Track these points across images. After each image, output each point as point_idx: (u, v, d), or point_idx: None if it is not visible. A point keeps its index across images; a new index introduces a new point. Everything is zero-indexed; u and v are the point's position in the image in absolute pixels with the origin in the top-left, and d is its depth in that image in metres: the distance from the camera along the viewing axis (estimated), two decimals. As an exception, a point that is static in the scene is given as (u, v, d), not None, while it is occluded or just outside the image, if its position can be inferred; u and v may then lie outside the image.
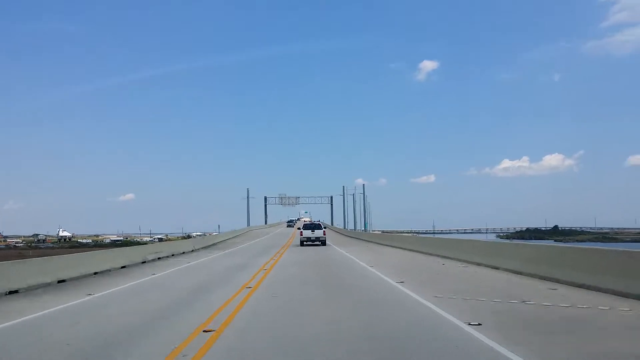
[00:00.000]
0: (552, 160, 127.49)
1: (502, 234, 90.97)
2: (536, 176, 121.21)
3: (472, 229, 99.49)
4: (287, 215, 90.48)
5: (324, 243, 25.73)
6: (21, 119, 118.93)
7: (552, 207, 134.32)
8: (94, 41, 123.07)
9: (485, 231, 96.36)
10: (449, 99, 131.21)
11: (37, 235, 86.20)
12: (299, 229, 33.13)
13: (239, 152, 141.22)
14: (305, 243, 25.81)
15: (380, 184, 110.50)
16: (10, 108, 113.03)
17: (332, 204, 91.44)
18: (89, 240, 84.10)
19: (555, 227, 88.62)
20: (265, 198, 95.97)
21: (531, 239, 66.42)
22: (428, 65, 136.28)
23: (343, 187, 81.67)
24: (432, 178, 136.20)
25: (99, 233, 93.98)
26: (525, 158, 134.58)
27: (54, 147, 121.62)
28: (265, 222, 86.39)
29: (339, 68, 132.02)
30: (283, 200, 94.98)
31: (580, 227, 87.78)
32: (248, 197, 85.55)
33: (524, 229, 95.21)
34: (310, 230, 26.94)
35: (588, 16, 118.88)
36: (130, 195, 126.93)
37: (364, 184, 75.23)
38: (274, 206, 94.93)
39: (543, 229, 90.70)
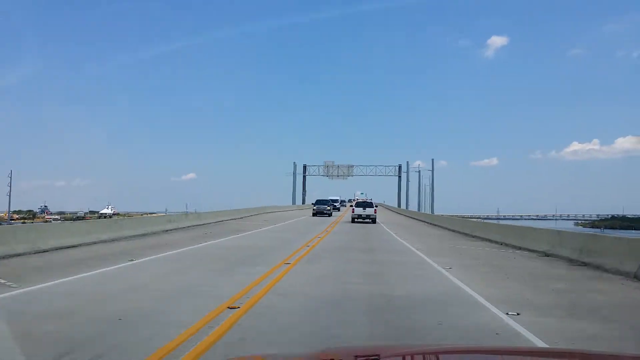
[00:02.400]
0: (625, 143, 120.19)
1: (581, 222, 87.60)
2: (607, 160, 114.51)
3: (545, 215, 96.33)
4: (336, 192, 76.78)
5: (374, 221, 28.35)
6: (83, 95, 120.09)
7: (629, 193, 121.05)
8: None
9: (557, 217, 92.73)
10: (516, 77, 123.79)
11: (75, 213, 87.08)
12: (351, 206, 36.91)
13: (292, 126, 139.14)
14: (356, 220, 28.70)
15: (440, 166, 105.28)
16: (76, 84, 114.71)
17: (399, 177, 77.50)
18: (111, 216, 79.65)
19: None
20: (305, 167, 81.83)
21: (623, 228, 60.52)
22: (497, 41, 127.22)
23: (407, 162, 74.55)
24: (494, 161, 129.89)
25: (153, 210, 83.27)
26: (595, 141, 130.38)
27: (120, 127, 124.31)
28: (303, 202, 73.69)
29: (400, 42, 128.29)
30: (330, 170, 74.85)
31: None
32: (295, 172, 77.30)
33: (607, 216, 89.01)
34: (361, 208, 29.79)
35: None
36: (191, 175, 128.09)
37: (432, 159, 68.31)
38: (318, 179, 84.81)
39: (630, 216, 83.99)
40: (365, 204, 30.44)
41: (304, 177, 76.42)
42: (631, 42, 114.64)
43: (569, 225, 64.77)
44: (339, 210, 46.79)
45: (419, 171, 70.33)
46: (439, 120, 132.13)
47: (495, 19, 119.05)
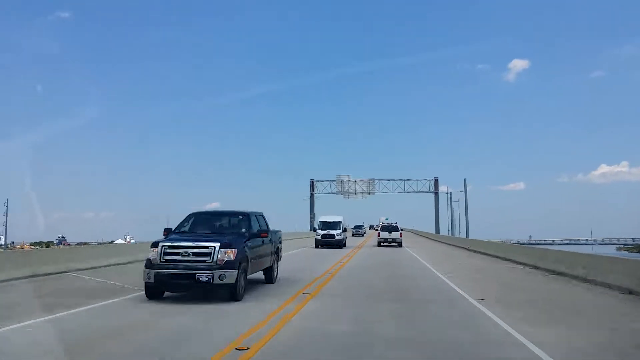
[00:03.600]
0: None
1: (623, 247, 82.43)
2: (637, 182, 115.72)
3: (578, 240, 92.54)
4: (354, 215, 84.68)
5: (400, 245, 29.40)
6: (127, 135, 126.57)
7: None
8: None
9: (591, 242, 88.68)
10: (539, 100, 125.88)
11: (88, 242, 74.64)
12: (376, 229, 42.02)
13: (308, 147, 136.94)
14: (382, 244, 29.81)
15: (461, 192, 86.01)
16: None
17: (436, 193, 64.57)
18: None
19: None
20: (313, 184, 67.65)
21: None
22: (518, 64, 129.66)
23: (436, 178, 61.31)
24: (521, 185, 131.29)
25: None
26: (624, 163, 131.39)
27: (150, 161, 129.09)
28: (311, 227, 57.51)
29: (414, 72, 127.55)
30: (344, 186, 56.83)
31: None
32: (312, 194, 65.48)
33: None
34: (387, 232, 30.90)
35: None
36: (216, 204, 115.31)
37: (465, 179, 60.09)
38: (332, 199, 74.81)
39: None
40: (390, 228, 32.10)
41: (312, 195, 59.10)
42: None
43: (611, 250, 62.61)
44: (362, 236, 44.15)
45: (450, 193, 63.63)
46: (460, 145, 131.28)
47: (515, 41, 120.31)
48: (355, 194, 60.51)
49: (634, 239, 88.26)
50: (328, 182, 60.78)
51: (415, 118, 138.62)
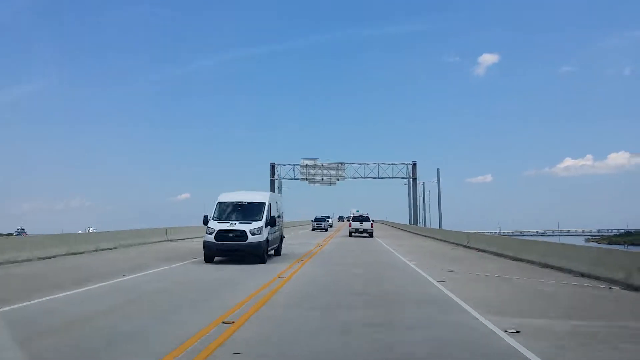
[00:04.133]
0: (618, 158, 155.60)
1: (591, 238, 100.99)
2: (600, 175, 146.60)
3: (545, 231, 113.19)
4: (322, 206, 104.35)
5: (371, 235, 36.94)
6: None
7: (627, 208, 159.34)
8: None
9: (559, 233, 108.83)
10: (508, 95, 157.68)
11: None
12: (347, 220, 50.61)
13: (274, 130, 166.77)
14: (353, 234, 37.66)
15: (434, 183, 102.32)
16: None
17: (414, 179, 73.29)
18: None
19: None
20: (273, 168, 74.63)
21: (633, 244, 71.06)
22: (488, 58, 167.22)
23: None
24: (488, 178, 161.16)
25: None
26: (589, 156, 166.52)
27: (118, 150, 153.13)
28: None
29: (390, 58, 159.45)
30: (310, 171, 71.81)
31: None
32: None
33: (620, 230, 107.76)
34: (359, 222, 38.91)
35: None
36: (186, 195, 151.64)
37: (438, 169, 74.07)
38: (297, 187, 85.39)
39: None
40: (362, 218, 39.25)
41: (272, 182, 67.65)
42: (622, 59, 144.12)
43: (579, 241, 72.12)
44: (325, 231, 51.91)
45: (423, 183, 75.58)
46: (431, 137, 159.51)
47: (485, 36, 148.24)
48: (323, 179, 68.96)
49: (598, 230, 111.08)
50: (291, 166, 68.63)
51: (387, 106, 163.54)
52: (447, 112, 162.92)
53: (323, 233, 44.13)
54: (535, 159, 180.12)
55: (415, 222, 66.23)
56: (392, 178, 67.52)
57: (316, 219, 52.41)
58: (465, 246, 26.54)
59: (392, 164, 67.13)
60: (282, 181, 69.69)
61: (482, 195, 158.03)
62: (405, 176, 67.02)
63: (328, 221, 54.93)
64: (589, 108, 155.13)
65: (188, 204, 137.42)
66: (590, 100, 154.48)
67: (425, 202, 77.84)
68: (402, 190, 76.75)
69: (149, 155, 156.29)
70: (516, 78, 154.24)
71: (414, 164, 67.04)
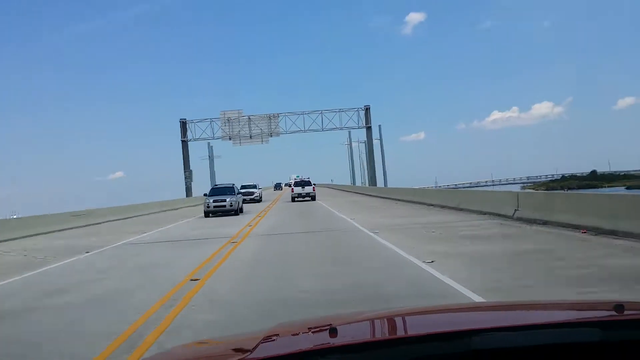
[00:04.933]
0: (542, 108, 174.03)
1: (528, 185, 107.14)
2: (526, 126, 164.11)
3: (478, 182, 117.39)
4: (253, 172, 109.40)
5: (313, 198, 42.09)
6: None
7: (558, 155, 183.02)
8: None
9: (494, 183, 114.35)
10: (436, 53, 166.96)
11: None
12: (288, 186, 60.48)
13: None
14: (296, 199, 42.49)
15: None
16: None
17: (369, 127, 59.93)
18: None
19: (594, 172, 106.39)
20: (184, 125, 59.95)
21: (582, 187, 76.95)
22: (415, 17, 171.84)
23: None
24: (422, 135, 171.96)
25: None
26: (514, 108, 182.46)
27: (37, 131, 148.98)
28: (187, 193, 57.47)
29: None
30: (234, 127, 49.81)
31: (622, 171, 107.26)
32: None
33: (556, 175, 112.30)
34: (300, 187, 42.81)
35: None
36: (119, 173, 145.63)
37: (379, 125, 66.67)
38: (218, 147, 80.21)
39: (579, 174, 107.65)
40: (303, 183, 43.62)
41: (184, 144, 49.84)
42: (540, 11, 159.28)
43: (516, 189, 78.54)
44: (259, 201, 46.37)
45: (365, 141, 70.73)
46: (363, 96, 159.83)
47: None
48: (251, 137, 52.46)
49: (528, 177, 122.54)
50: (208, 122, 51.84)
51: (319, 66, 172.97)
52: (377, 72, 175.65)
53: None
54: (465, 114, 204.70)
55: (374, 182, 51.38)
56: (341, 129, 54.10)
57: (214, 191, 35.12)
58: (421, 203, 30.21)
59: (340, 110, 52.60)
60: (197, 143, 52.41)
61: (417, 153, 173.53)
62: (357, 125, 51.60)
63: (255, 191, 46.53)
64: (512, 61, 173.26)
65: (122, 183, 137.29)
66: (513, 54, 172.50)
67: (366, 160, 77.41)
68: (344, 152, 69.46)
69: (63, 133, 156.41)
70: (443, 36, 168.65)
71: (367, 109, 52.52)
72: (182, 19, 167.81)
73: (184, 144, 59.48)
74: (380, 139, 64.98)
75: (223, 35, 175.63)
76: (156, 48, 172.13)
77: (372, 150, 59.48)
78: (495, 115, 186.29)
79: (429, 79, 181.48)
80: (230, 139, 60.13)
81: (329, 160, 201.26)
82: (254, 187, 45.11)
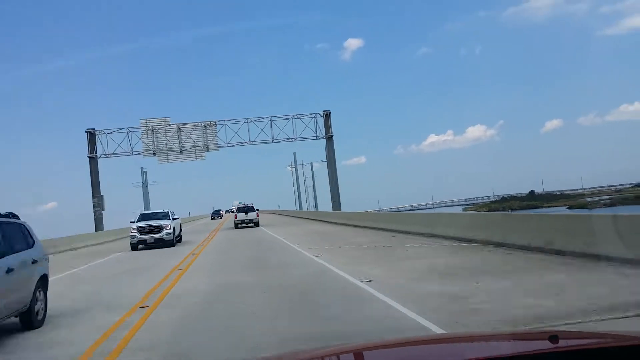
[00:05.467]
0: (475, 131, 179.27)
1: (468, 205, 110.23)
2: (461, 149, 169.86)
3: (419, 205, 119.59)
4: (184, 201, 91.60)
5: (257, 225, 41.86)
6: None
7: (493, 176, 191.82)
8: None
9: (433, 206, 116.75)
10: (374, 77, 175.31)
11: None
12: (232, 212, 58.01)
13: None
14: (239, 225, 41.72)
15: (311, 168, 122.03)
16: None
17: (330, 137, 50.44)
18: None
19: (532, 192, 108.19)
20: (92, 136, 48.02)
21: (523, 208, 77.48)
22: (353, 43, 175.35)
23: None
24: (362, 159, 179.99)
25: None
26: (449, 132, 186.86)
27: None
28: (96, 227, 46.76)
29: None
30: (159, 139, 39.55)
31: (558, 191, 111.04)
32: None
33: (497, 197, 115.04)
34: (244, 213, 42.01)
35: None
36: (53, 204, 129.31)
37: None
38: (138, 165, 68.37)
39: (518, 195, 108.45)
40: (247, 209, 42.60)
41: (92, 160, 36.56)
42: (472, 39, 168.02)
43: (458, 210, 79.65)
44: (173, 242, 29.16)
45: (311, 163, 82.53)
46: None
47: (350, 21, 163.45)
48: (182, 152, 40.83)
49: (466, 199, 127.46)
50: (125, 133, 39.51)
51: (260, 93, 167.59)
52: (315, 97, 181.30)
53: None
54: (403, 138, 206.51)
55: (338, 207, 41.11)
56: (294, 140, 42.48)
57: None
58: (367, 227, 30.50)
59: (294, 117, 42.10)
60: (110, 159, 40.27)
61: (359, 177, 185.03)
62: (314, 135, 41.14)
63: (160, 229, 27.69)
64: (447, 86, 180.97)
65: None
66: (447, 79, 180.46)
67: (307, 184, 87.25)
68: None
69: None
70: (381, 61, 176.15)
71: (327, 115, 42.11)
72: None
73: (92, 161, 45.60)
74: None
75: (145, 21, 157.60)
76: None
77: (335, 164, 48.09)
78: (432, 138, 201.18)
79: (369, 103, 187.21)
80: (154, 154, 47.20)
81: (274, 184, 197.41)
82: (165, 216, 28.55)
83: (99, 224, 46.49)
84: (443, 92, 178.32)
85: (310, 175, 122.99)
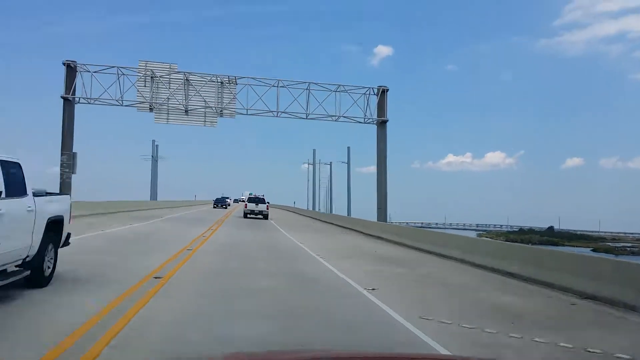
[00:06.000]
0: (494, 157, 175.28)
1: (482, 232, 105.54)
2: (478, 172, 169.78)
3: (429, 224, 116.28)
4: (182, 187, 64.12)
5: (266, 217, 43.09)
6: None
7: (506, 205, 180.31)
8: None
9: (444, 225, 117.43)
10: (398, 87, 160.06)
11: None
12: (241, 201, 75.28)
13: None
14: (249, 215, 43.38)
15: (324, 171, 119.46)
16: None
17: (385, 121, 38.84)
18: None
19: (551, 228, 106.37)
20: (72, 70, 35.28)
21: (543, 243, 72.58)
22: (383, 50, 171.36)
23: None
24: (372, 169, 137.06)
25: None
26: (468, 154, 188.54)
27: None
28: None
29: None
30: (159, 88, 35.20)
31: (577, 230, 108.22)
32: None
33: (511, 227, 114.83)
34: (254, 204, 43.19)
35: (543, 13, 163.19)
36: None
37: (348, 147, 72.73)
38: (133, 119, 56.09)
39: (537, 229, 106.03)
40: (257, 200, 43.88)
41: (66, 102, 24.18)
42: (500, 63, 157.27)
43: (472, 235, 75.08)
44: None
45: (330, 163, 78.25)
46: (319, 129, 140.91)
47: (382, 27, 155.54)
48: (187, 112, 30.28)
49: (477, 225, 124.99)
50: (114, 74, 28.53)
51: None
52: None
53: None
54: (420, 153, 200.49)
55: (384, 216, 31.93)
56: (335, 119, 30.82)
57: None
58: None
59: (339, 88, 30.41)
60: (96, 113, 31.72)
61: (368, 186, 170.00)
62: (362, 116, 30.17)
63: None
64: (470, 107, 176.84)
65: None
66: (471, 100, 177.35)
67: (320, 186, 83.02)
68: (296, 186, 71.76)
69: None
70: (407, 72, 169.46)
71: (383, 92, 30.17)
72: None
73: (67, 104, 33.72)
74: (348, 166, 69.44)
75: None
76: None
77: (385, 158, 35.92)
78: (450, 158, 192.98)
79: (390, 113, 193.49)
80: (151, 109, 35.66)
81: (288, 180, 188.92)
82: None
83: (65, 189, 36.84)
84: (465, 112, 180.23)
85: (328, 176, 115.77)
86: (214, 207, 72.91)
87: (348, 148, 64.02)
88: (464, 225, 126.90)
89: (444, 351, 6.94)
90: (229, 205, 79.19)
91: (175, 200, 77.80)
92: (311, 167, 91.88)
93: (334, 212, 68.51)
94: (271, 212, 48.03)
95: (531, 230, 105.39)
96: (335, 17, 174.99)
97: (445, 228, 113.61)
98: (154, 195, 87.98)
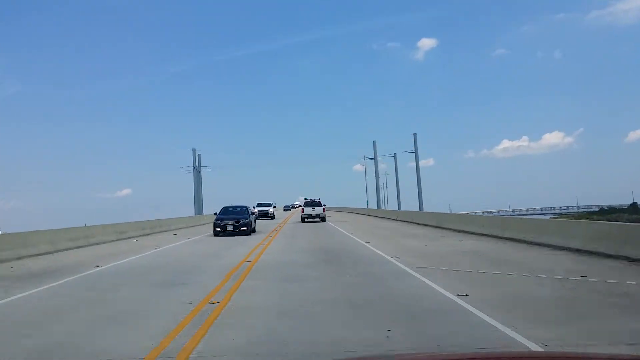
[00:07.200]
0: (552, 138, 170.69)
1: (552, 215, 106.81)
2: (537, 155, 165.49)
3: (499, 211, 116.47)
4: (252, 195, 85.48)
5: (323, 219, 44.56)
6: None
7: (569, 185, 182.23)
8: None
9: (523, 212, 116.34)
10: (447, 78, 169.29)
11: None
12: (299, 206, 67.39)
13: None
14: (306, 220, 44.59)
15: (380, 168, 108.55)
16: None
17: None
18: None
19: (634, 204, 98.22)
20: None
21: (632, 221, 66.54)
22: (426, 43, 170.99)
23: (374, 142, 67.88)
24: (430, 162, 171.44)
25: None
26: (524, 138, 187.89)
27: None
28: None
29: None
30: None
31: None
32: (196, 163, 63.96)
33: (584, 207, 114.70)
34: (311, 208, 44.37)
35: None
36: (127, 191, 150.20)
37: (414, 134, 69.39)
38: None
39: (617, 207, 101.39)
40: (314, 204, 44.90)
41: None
42: (550, 42, 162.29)
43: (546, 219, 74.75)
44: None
45: (394, 154, 77.63)
46: (372, 123, 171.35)
47: (424, 21, 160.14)
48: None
49: (541, 209, 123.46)
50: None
51: (330, 95, 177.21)
52: (387, 98, 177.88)
53: None
54: (473, 141, 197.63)
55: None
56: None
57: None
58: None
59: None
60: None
61: (427, 179, 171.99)
62: None
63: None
64: (523, 90, 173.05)
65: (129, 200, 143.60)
66: (523, 83, 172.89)
67: (381, 185, 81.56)
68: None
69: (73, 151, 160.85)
70: (453, 62, 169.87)
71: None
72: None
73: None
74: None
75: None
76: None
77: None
78: (506, 144, 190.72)
79: (440, 105, 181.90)
80: None
81: (339, 182, 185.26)
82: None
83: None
84: (518, 96, 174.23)
85: (385, 171, 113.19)
86: (284, 211, 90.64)
87: (414, 135, 58.46)
88: (527, 210, 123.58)
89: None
90: (273, 216, 57.35)
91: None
92: (369, 162, 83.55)
93: (402, 209, 60.88)
94: (334, 217, 49.50)
95: (613, 209, 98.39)
96: (374, 12, 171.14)
97: (510, 215, 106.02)
98: (199, 209, 66.47)
